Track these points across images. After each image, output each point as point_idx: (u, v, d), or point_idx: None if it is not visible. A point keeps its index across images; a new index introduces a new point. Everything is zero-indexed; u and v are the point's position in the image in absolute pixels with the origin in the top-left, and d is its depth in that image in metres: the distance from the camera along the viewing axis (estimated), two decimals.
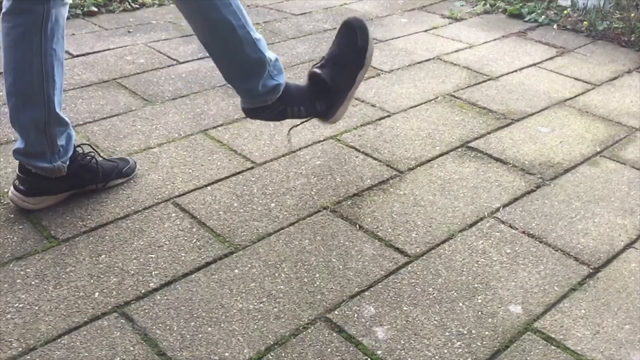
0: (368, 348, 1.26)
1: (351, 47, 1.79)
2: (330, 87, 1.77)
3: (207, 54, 1.64)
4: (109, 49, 2.70)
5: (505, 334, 1.31)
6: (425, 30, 3.15)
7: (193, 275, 1.44)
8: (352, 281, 1.44)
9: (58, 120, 1.54)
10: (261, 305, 1.36)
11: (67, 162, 1.60)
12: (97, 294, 1.37)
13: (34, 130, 1.53)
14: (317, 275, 1.45)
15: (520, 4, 3.47)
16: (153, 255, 1.49)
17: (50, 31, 1.45)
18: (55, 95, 1.51)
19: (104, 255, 1.48)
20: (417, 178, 1.85)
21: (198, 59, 2.63)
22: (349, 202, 1.72)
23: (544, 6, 3.46)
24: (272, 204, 1.70)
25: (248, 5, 3.42)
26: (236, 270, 1.46)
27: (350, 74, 1.80)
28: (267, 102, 1.70)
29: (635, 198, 1.80)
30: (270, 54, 1.64)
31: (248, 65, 1.62)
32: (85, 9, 3.10)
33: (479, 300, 1.40)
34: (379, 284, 1.44)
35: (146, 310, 1.33)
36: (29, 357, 1.21)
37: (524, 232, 1.64)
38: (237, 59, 1.60)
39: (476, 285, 1.44)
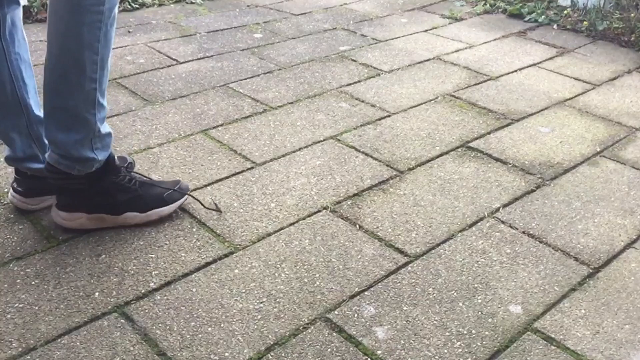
0: (368, 348, 1.26)
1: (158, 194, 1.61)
2: (110, 196, 1.55)
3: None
4: None
5: (505, 334, 1.31)
6: (425, 30, 3.15)
7: (193, 275, 1.44)
8: (352, 281, 1.44)
9: (39, 121, 1.53)
10: (261, 305, 1.36)
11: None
12: (97, 294, 1.37)
13: (18, 137, 1.51)
14: (317, 275, 1.45)
15: (520, 4, 3.47)
16: (153, 255, 1.49)
17: (9, 36, 1.42)
18: (31, 97, 1.50)
19: (104, 255, 1.48)
20: (417, 178, 1.85)
21: (198, 59, 2.63)
22: (349, 202, 1.72)
23: (544, 6, 3.46)
24: (272, 204, 1.70)
25: (248, 5, 3.42)
26: (236, 270, 1.46)
27: (127, 205, 1.57)
28: (73, 171, 1.47)
29: (635, 198, 1.80)
30: (103, 127, 1.46)
31: (71, 117, 1.40)
32: None
33: (479, 300, 1.40)
34: (379, 284, 1.44)
35: (146, 310, 1.33)
36: (29, 357, 1.21)
37: (524, 232, 1.64)
38: (66, 102, 1.39)
39: (476, 285, 1.44)
